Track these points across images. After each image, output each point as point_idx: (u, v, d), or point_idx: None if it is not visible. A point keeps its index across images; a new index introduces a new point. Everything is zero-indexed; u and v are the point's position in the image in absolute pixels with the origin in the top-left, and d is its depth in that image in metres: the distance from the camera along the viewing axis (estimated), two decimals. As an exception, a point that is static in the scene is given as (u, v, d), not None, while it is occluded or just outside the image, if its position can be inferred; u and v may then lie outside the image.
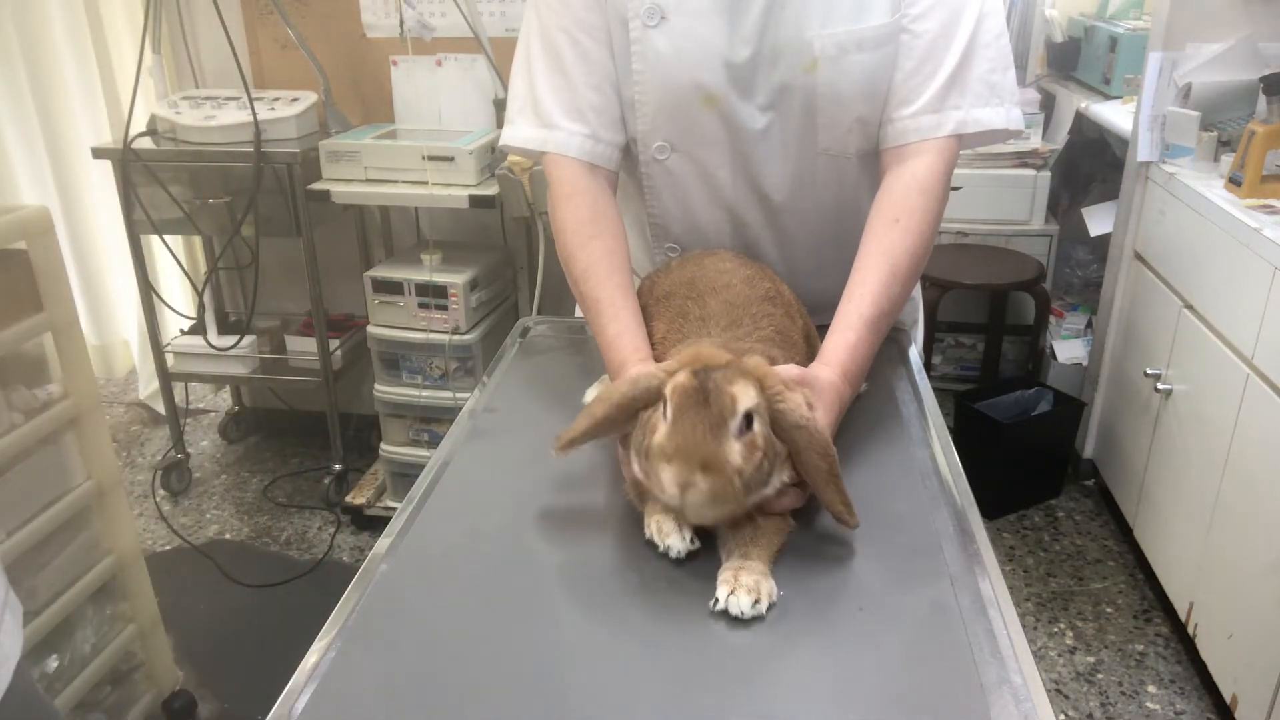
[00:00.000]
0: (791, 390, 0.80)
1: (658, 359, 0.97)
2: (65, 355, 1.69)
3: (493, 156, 2.44)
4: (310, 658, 0.72)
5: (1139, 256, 2.51)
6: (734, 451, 0.74)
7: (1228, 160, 2.14)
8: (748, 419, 0.75)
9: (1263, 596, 1.76)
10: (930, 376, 1.42)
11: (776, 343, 0.95)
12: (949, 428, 1.11)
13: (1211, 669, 1.98)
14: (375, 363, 2.55)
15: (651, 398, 0.80)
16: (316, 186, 2.44)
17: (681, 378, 0.76)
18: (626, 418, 0.82)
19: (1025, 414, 2.73)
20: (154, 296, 2.71)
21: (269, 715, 0.67)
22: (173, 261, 2.80)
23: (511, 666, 0.71)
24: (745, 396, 0.75)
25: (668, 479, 0.74)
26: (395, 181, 2.42)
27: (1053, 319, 3.09)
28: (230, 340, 2.69)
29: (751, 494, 0.77)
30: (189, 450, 2.97)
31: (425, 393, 2.51)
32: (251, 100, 2.40)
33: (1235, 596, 1.89)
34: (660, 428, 0.76)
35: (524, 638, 0.74)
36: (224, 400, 3.39)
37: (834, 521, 0.84)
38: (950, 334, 3.29)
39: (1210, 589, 2.00)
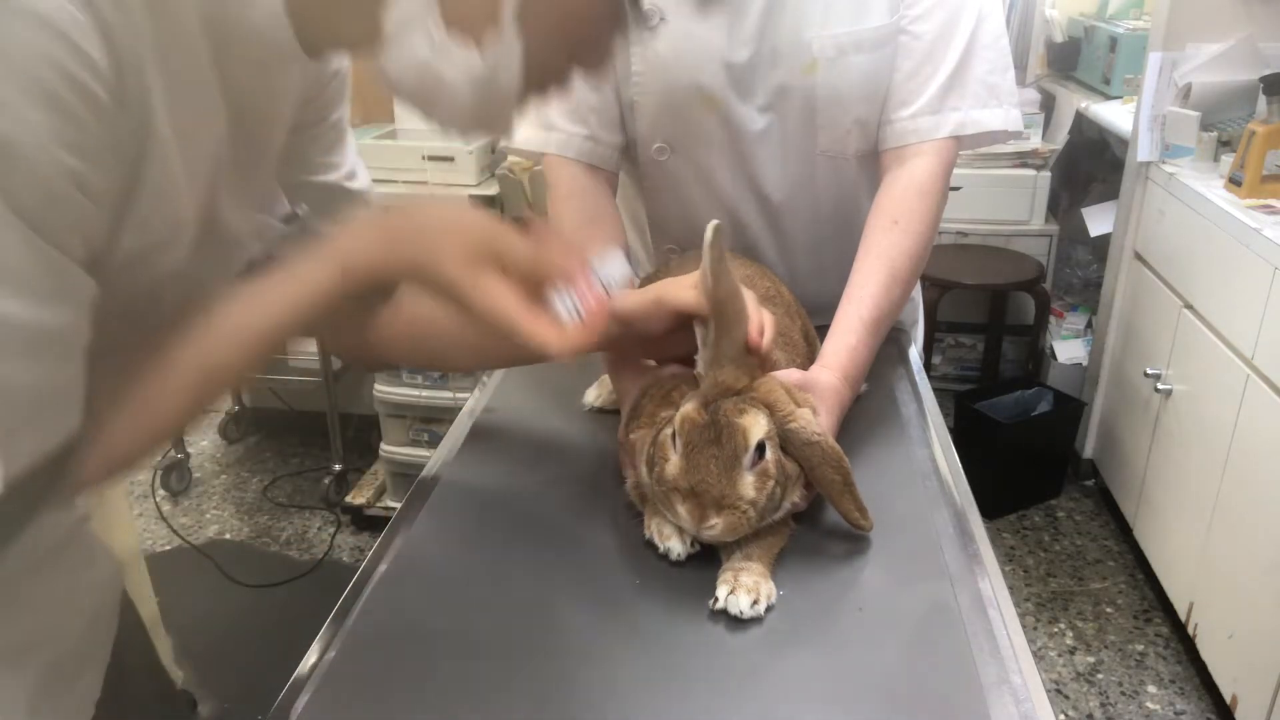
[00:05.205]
0: (800, 406, 0.80)
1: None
2: (65, 355, 1.69)
3: (493, 156, 2.44)
4: (310, 658, 0.72)
5: (1139, 256, 2.51)
6: (748, 485, 0.75)
7: (1228, 160, 2.14)
8: (759, 448, 0.75)
9: (1263, 596, 1.76)
10: (930, 376, 1.42)
11: (778, 344, 0.95)
12: (949, 428, 1.11)
13: (1211, 669, 1.98)
14: (375, 363, 2.55)
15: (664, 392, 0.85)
16: (316, 187, 2.43)
17: (690, 410, 0.76)
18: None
19: (1025, 414, 2.73)
20: (154, 297, 2.71)
21: (269, 715, 0.67)
22: (173, 262, 2.79)
23: (511, 666, 0.71)
24: (756, 428, 0.75)
25: (684, 514, 0.75)
26: (395, 181, 2.41)
27: (1053, 319, 3.09)
28: (230, 340, 2.68)
29: (764, 520, 0.77)
30: (189, 450, 2.98)
31: (425, 393, 2.51)
32: (251, 100, 2.39)
33: (1235, 596, 1.89)
34: (671, 458, 0.76)
35: (523, 637, 0.74)
36: (224, 400, 3.39)
37: (834, 521, 0.84)
38: (950, 334, 3.29)
39: (1210, 589, 2.00)
